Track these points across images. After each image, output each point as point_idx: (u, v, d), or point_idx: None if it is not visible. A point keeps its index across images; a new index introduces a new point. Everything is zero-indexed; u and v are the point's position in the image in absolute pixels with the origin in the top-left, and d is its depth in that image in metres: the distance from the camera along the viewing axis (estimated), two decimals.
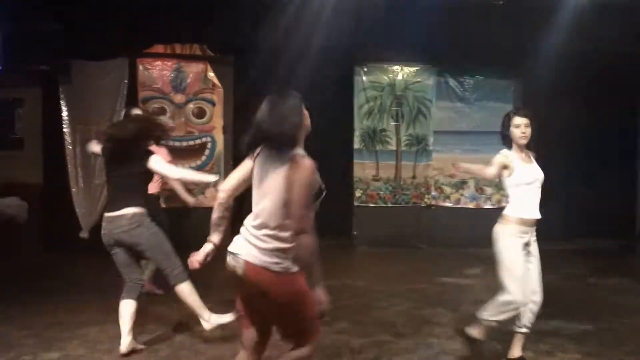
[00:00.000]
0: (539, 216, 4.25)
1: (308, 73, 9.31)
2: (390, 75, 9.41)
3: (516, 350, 4.24)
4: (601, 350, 4.68)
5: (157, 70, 8.49)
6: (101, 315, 5.43)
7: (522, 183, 4.22)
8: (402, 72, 9.41)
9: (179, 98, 8.55)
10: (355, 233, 9.44)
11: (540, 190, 4.28)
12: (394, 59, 9.29)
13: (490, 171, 4.31)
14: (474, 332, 4.29)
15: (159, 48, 8.35)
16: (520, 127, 4.27)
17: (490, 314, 4.16)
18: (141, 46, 7.91)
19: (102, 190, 7.68)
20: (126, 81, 7.91)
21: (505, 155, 4.27)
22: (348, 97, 9.37)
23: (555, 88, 9.16)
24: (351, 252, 9.05)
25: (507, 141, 4.38)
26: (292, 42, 7.44)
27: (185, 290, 4.55)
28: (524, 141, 4.26)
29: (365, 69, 9.37)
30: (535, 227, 4.27)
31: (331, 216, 9.84)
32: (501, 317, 4.13)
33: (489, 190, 9.36)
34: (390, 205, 9.37)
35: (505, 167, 4.25)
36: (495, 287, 4.18)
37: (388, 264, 8.17)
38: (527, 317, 4.16)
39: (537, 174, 4.27)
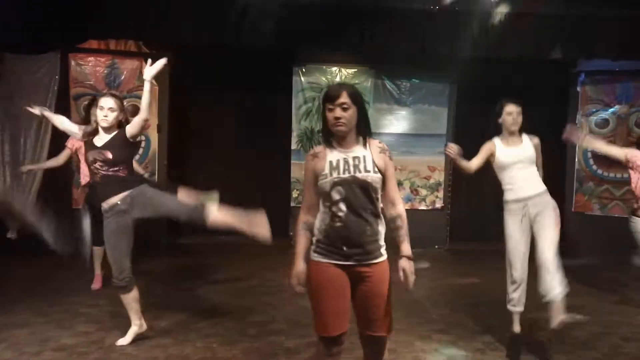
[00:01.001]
0: (532, 192, 4.51)
1: (246, 73, 9.30)
2: (328, 77, 9.43)
3: (555, 320, 4.36)
4: (530, 350, 4.78)
5: (90, 66, 8.25)
6: (30, 316, 5.28)
7: (505, 165, 4.56)
8: (340, 74, 9.45)
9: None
10: (292, 234, 9.42)
11: (530, 169, 4.55)
12: (332, 60, 9.32)
13: (475, 162, 4.65)
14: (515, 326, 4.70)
15: (93, 43, 8.11)
16: (512, 114, 4.58)
17: (509, 300, 4.61)
18: (74, 41, 7.65)
19: (31, 190, 7.44)
20: (57, 77, 7.66)
21: (492, 142, 4.64)
22: (286, 98, 9.33)
23: (488, 93, 9.39)
24: (288, 252, 8.99)
25: (497, 129, 4.68)
26: (230, 41, 7.34)
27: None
28: (515, 127, 4.57)
29: (303, 70, 9.37)
30: (535, 200, 4.50)
31: (269, 217, 9.91)
32: (514, 296, 4.57)
33: (423, 191, 9.50)
34: None
35: (491, 154, 4.61)
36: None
37: None
38: (543, 287, 4.34)
39: (520, 154, 4.54)
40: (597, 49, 7.44)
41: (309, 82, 9.34)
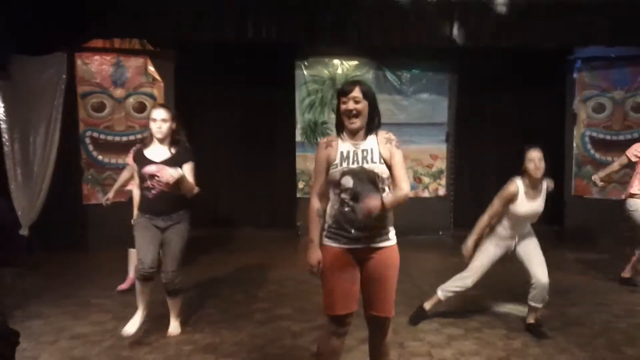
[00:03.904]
0: (524, 231, 4.81)
1: (249, 68, 9.45)
2: (330, 69, 9.58)
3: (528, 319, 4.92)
4: (521, 325, 4.97)
5: (96, 65, 8.41)
6: (45, 308, 5.49)
7: (518, 216, 4.63)
8: (342, 66, 9.59)
9: (118, 92, 8.50)
10: (299, 224, 9.61)
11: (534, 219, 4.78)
12: (333, 54, 9.47)
13: (496, 208, 4.73)
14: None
15: (98, 42, 8.27)
16: (534, 160, 4.50)
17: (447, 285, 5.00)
18: (79, 40, 7.82)
19: (41, 187, 7.61)
20: (64, 76, 7.82)
21: (515, 186, 4.60)
22: (290, 91, 9.49)
23: (488, 81, 9.54)
24: (296, 242, 9.19)
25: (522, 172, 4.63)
26: (232, 36, 7.48)
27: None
28: (538, 174, 4.51)
29: (306, 63, 9.52)
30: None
31: (276, 208, 10.11)
32: (453, 289, 4.98)
33: (426, 179, 9.66)
34: None
35: (512, 199, 4.59)
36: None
37: None
38: (537, 299, 4.79)
39: (536, 210, 4.65)
40: (591, 36, 7.54)
41: (311, 75, 9.50)
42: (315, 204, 3.32)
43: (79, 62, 8.27)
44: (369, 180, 3.16)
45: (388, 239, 3.27)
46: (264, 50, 8.93)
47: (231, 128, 9.94)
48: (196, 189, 4.69)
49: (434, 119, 9.59)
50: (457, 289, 4.97)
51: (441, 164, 9.72)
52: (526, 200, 4.57)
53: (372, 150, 3.22)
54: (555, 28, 7.46)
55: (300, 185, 9.59)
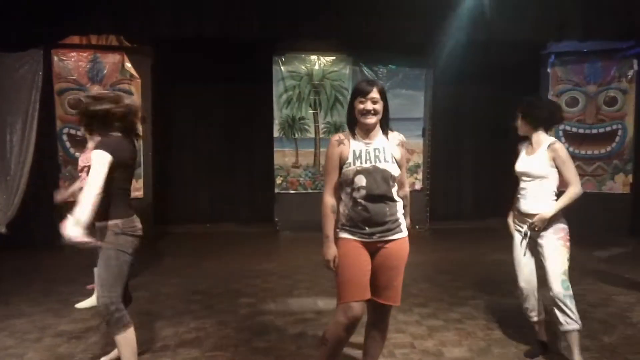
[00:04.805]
0: (529, 210, 4.05)
1: (226, 64, 9.46)
2: (307, 65, 9.63)
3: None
4: (504, 317, 5.08)
5: (72, 61, 8.37)
6: (27, 306, 5.48)
7: (517, 173, 4.16)
8: (319, 62, 9.65)
9: (96, 89, 8.44)
10: (277, 219, 9.66)
11: (534, 184, 4.03)
12: (310, 49, 9.51)
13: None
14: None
15: (75, 39, 8.22)
16: (517, 119, 4.18)
17: (523, 309, 4.23)
18: (56, 37, 7.76)
19: (19, 185, 7.56)
20: (41, 73, 7.77)
21: (521, 145, 4.23)
22: (267, 87, 9.52)
23: (463, 77, 9.66)
24: (274, 237, 9.25)
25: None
26: (210, 32, 7.50)
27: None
28: (521, 133, 4.16)
29: (283, 59, 9.56)
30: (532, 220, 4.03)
31: (255, 203, 10.15)
32: (526, 306, 4.20)
33: None
34: (310, 191, 9.61)
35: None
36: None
37: (310, 247, 8.38)
38: (555, 316, 3.99)
39: (527, 167, 4.07)
40: (564, 31, 7.69)
41: (288, 71, 9.54)
42: (329, 200, 3.41)
43: (55, 58, 8.23)
44: (382, 179, 3.26)
45: (400, 231, 3.38)
46: (241, 46, 8.94)
47: (209, 124, 9.97)
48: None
49: (411, 114, 9.70)
50: (525, 303, 4.25)
51: (418, 159, 9.84)
52: (523, 154, 4.16)
53: (384, 149, 3.31)
54: (529, 23, 7.59)
55: (279, 180, 9.63)
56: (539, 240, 4.02)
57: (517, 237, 4.18)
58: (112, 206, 3.65)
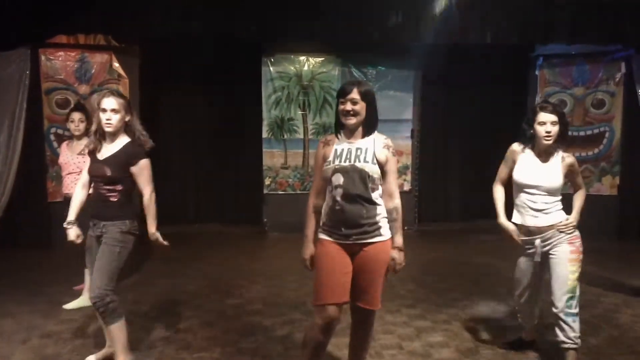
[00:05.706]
0: (542, 224, 3.83)
1: (215, 64, 9.44)
2: (296, 66, 9.63)
3: None
4: (492, 318, 5.14)
5: (60, 61, 8.33)
6: (14, 307, 5.44)
7: (519, 184, 3.87)
8: (308, 63, 9.65)
9: (83, 89, 8.42)
10: (265, 220, 9.65)
11: (546, 196, 3.80)
12: (299, 50, 9.52)
13: (502, 173, 4.08)
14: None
15: (62, 38, 8.18)
16: (546, 124, 3.75)
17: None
18: (44, 36, 7.71)
19: (6, 185, 7.50)
20: (28, 72, 7.72)
21: (513, 150, 3.96)
22: (256, 88, 9.51)
23: (452, 78, 9.71)
24: (263, 238, 9.24)
25: (528, 138, 3.87)
26: (199, 33, 7.47)
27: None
28: (547, 141, 3.76)
29: (272, 60, 9.55)
30: (548, 233, 3.83)
31: (243, 204, 10.13)
32: (519, 314, 4.30)
33: None
34: (299, 192, 9.60)
35: (513, 161, 3.95)
36: None
37: (298, 249, 8.36)
38: (554, 331, 3.88)
39: (541, 180, 3.78)
40: (552, 33, 7.71)
41: (277, 71, 9.54)
42: (313, 201, 3.43)
43: (43, 58, 8.18)
44: (360, 178, 3.22)
45: (380, 234, 3.29)
46: (230, 46, 8.93)
47: (198, 124, 9.92)
48: (150, 195, 4.02)
49: (400, 116, 9.72)
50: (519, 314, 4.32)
51: (406, 160, 9.87)
52: (529, 163, 3.86)
53: (366, 150, 3.28)
54: (517, 26, 7.62)
55: (267, 181, 9.63)
56: (551, 251, 3.85)
57: (525, 258, 3.99)
58: (126, 207, 3.98)
